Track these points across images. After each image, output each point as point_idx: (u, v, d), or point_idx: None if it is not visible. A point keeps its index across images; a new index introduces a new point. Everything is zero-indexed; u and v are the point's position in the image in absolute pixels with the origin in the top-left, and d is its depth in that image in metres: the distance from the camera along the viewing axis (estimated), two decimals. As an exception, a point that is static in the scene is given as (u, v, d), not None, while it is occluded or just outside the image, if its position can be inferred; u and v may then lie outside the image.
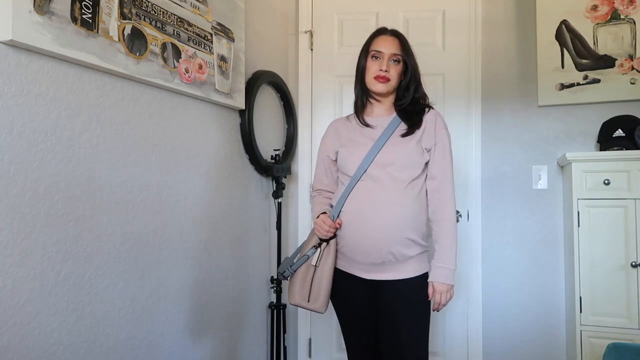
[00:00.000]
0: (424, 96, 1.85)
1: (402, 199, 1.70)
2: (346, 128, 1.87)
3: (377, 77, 1.77)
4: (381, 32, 1.84)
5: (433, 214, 1.75)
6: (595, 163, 2.31)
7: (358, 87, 1.86)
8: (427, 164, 1.76)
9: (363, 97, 1.85)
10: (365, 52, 1.82)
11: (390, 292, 1.73)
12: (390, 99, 1.84)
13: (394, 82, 1.79)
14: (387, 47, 1.78)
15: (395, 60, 1.79)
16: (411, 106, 1.81)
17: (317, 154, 1.96)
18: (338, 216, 1.75)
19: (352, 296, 1.80)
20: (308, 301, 1.77)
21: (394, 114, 1.82)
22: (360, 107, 1.86)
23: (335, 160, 1.86)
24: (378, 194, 1.71)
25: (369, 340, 1.82)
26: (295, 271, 1.81)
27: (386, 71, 1.76)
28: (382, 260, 1.70)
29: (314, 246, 1.78)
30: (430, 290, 1.72)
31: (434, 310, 1.74)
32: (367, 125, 1.83)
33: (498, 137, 2.77)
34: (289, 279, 1.83)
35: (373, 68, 1.78)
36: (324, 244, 1.77)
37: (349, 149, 1.81)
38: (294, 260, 1.82)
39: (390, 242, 1.68)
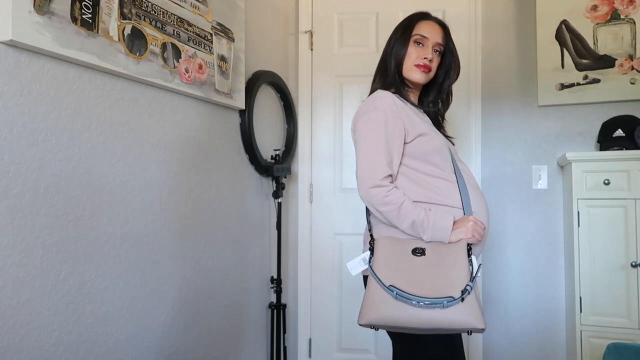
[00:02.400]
0: (447, 106, 1.71)
1: None
2: (409, 109, 1.57)
3: (418, 65, 1.59)
4: (426, 16, 1.65)
5: None
6: (595, 163, 2.31)
7: (383, 78, 1.65)
8: None
9: (400, 86, 1.62)
10: (406, 36, 1.62)
11: None
12: (418, 93, 1.70)
13: (432, 74, 1.63)
14: (432, 33, 1.61)
15: (437, 51, 1.63)
16: (438, 117, 1.71)
17: (381, 131, 1.49)
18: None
19: None
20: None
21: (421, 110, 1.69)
22: (403, 93, 1.62)
23: (406, 144, 1.53)
24: (479, 190, 1.58)
25: None
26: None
27: (431, 60, 1.60)
28: None
29: (470, 254, 1.40)
30: None
31: None
32: (421, 109, 1.64)
33: (498, 137, 2.77)
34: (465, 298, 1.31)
35: (415, 54, 1.60)
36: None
37: (432, 136, 1.55)
38: (475, 274, 1.37)
39: None
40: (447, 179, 1.53)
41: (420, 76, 1.60)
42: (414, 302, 1.29)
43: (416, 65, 1.60)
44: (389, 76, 1.64)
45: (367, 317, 1.33)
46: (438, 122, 1.74)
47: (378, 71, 1.70)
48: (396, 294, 1.31)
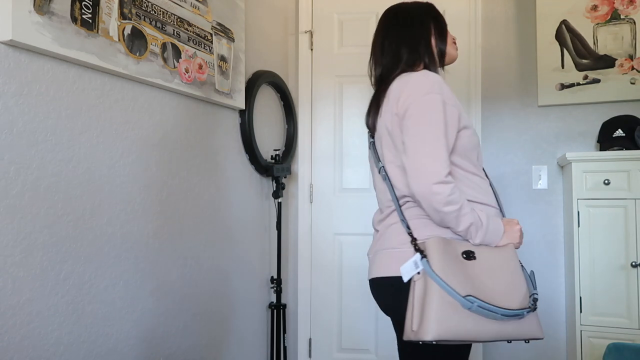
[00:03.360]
0: None
1: None
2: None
3: (454, 43, 1.53)
4: None
5: None
6: (595, 163, 2.31)
7: (416, 55, 1.44)
8: None
9: (439, 66, 1.48)
10: (440, 18, 1.50)
11: None
12: None
13: None
14: None
15: None
16: None
17: (441, 118, 1.29)
18: None
19: None
20: None
21: None
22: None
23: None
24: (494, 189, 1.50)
25: None
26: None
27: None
28: None
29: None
30: None
31: None
32: None
33: (498, 137, 2.77)
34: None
35: (449, 37, 1.52)
36: None
37: (473, 130, 1.41)
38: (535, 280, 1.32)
39: None
40: (482, 176, 1.41)
41: (456, 53, 1.53)
42: (497, 315, 1.17)
43: (454, 42, 1.53)
44: (424, 53, 1.44)
45: (435, 332, 1.14)
46: None
47: (406, 48, 1.47)
48: (477, 305, 1.16)
